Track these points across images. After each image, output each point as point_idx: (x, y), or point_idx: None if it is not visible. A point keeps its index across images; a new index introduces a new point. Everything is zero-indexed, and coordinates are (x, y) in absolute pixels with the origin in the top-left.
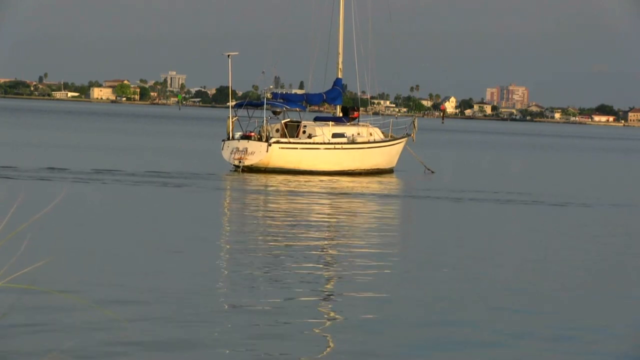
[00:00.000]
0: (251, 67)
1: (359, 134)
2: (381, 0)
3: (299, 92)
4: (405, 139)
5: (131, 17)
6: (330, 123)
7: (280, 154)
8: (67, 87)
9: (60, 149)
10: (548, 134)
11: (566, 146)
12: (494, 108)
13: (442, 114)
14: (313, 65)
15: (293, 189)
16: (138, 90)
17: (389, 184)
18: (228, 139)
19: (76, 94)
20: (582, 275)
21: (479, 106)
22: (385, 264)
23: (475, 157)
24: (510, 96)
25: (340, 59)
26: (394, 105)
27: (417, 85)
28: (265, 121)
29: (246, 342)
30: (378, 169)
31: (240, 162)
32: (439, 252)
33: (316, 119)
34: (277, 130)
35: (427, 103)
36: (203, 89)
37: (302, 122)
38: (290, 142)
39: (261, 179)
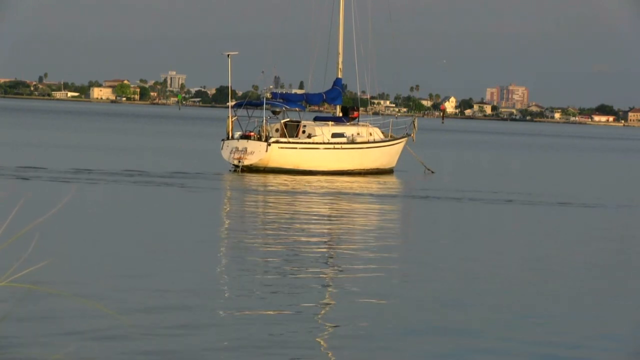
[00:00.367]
0: (251, 67)
1: (358, 134)
2: (381, 0)
3: (299, 92)
4: (405, 139)
5: (131, 17)
6: (330, 123)
7: (279, 154)
8: (67, 87)
9: (61, 149)
10: (548, 134)
11: (566, 146)
12: (494, 108)
13: (442, 114)
14: (313, 65)
15: (292, 188)
16: (138, 90)
17: (389, 184)
18: (227, 138)
19: (76, 94)
20: (582, 275)
21: (479, 106)
22: (384, 264)
23: (475, 157)
24: (510, 96)
25: (340, 59)
26: (394, 105)
27: (417, 85)
28: (264, 121)
29: (246, 343)
30: (378, 169)
31: (239, 161)
32: (439, 253)
33: (316, 119)
34: (277, 130)
35: (427, 103)
36: (203, 89)
37: (302, 122)
38: (289, 142)
39: (260, 178)
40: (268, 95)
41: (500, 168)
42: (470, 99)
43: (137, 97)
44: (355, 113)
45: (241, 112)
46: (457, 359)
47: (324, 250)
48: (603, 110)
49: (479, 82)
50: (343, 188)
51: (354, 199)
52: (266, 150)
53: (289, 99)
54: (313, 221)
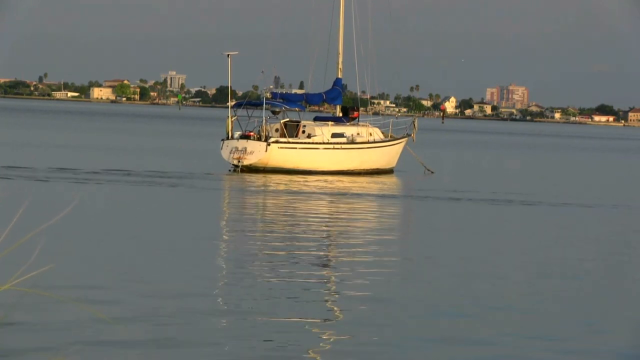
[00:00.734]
0: (251, 67)
1: (358, 134)
2: (381, 0)
3: (299, 92)
4: (406, 139)
5: (131, 17)
6: (330, 123)
7: (279, 154)
8: (67, 87)
9: (61, 149)
10: (548, 134)
11: (566, 146)
12: (494, 108)
13: (442, 114)
14: (313, 65)
15: (292, 189)
16: (138, 90)
17: (388, 184)
18: (227, 138)
19: (76, 94)
20: (582, 276)
21: (479, 106)
22: (384, 264)
23: (475, 157)
24: (510, 96)
25: (340, 59)
26: (394, 105)
27: (417, 85)
28: (264, 121)
29: (245, 343)
30: (378, 169)
31: (239, 161)
32: (439, 253)
33: (316, 119)
34: (277, 130)
35: (427, 103)
36: (203, 89)
37: (302, 121)
38: (289, 142)
39: (260, 178)
40: (268, 95)
41: (500, 168)
42: (470, 99)
43: (137, 97)
44: (355, 113)
45: (241, 112)
46: (456, 357)
47: (324, 250)
48: (603, 110)
49: (479, 82)
50: (342, 188)
51: (353, 199)
52: (266, 150)
53: (289, 99)
54: (312, 221)
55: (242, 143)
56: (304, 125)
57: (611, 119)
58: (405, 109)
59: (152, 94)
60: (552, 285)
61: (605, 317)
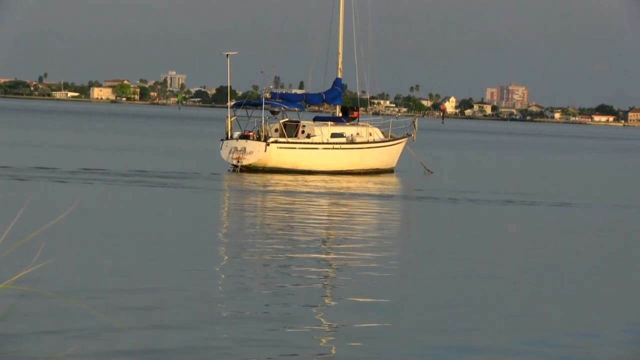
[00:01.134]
0: (251, 67)
1: (358, 134)
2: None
3: (299, 92)
4: (406, 139)
5: (131, 17)
6: (329, 123)
7: (278, 154)
8: (67, 87)
9: (61, 149)
10: (548, 134)
11: (566, 146)
12: (494, 108)
13: (442, 114)
14: (313, 65)
15: (291, 189)
16: (138, 90)
17: (388, 184)
18: (227, 138)
19: (76, 94)
20: (582, 276)
21: (479, 106)
22: (384, 264)
23: (474, 157)
24: (510, 96)
25: (340, 59)
26: (394, 105)
27: (417, 85)
28: (263, 121)
29: (244, 344)
30: (377, 169)
31: (238, 161)
32: (438, 253)
33: (316, 119)
34: (276, 130)
35: (427, 103)
36: (203, 89)
37: (301, 121)
38: (288, 142)
39: (259, 178)
40: (267, 95)
41: (500, 168)
42: (470, 99)
43: (137, 97)
44: (355, 113)
45: (240, 112)
46: (456, 357)
47: (323, 250)
48: (603, 110)
49: (479, 82)
50: (342, 188)
51: (352, 199)
52: (265, 150)
53: (288, 99)
54: (312, 221)
55: (242, 143)
56: (304, 125)
57: (611, 119)
58: (405, 109)
59: (152, 94)
60: (552, 285)
61: (604, 318)
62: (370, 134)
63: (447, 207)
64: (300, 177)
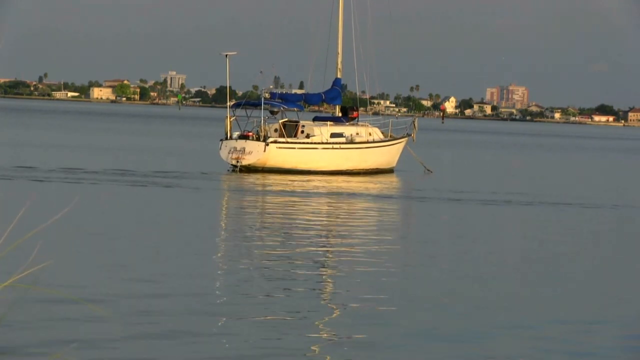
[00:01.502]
0: (251, 67)
1: (357, 133)
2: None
3: (299, 92)
4: (406, 139)
5: (131, 17)
6: (329, 123)
7: (277, 154)
8: (67, 87)
9: (60, 149)
10: (548, 134)
11: (566, 146)
12: (494, 108)
13: (442, 114)
14: (312, 65)
15: (291, 189)
16: (138, 90)
17: (387, 184)
18: (226, 138)
19: (76, 94)
20: (582, 276)
21: (479, 106)
22: (384, 264)
23: (474, 157)
24: (510, 96)
25: (340, 59)
26: (394, 105)
27: (417, 85)
28: (262, 121)
29: (244, 343)
30: (377, 169)
31: (237, 161)
32: (438, 253)
33: (315, 119)
34: (276, 130)
35: (427, 103)
36: (203, 89)
37: (301, 121)
38: (287, 142)
39: (258, 179)
40: (266, 95)
41: (500, 168)
42: (470, 99)
43: (137, 97)
44: (355, 113)
45: (240, 112)
46: (455, 357)
47: (323, 251)
48: (603, 110)
49: (479, 82)
50: (341, 188)
51: (352, 199)
52: (264, 150)
53: (288, 99)
54: (311, 221)
55: (241, 143)
56: (303, 125)
57: (611, 119)
58: (405, 109)
59: (152, 94)
60: (551, 286)
61: (604, 318)
62: (370, 134)
63: (447, 206)
64: (299, 177)
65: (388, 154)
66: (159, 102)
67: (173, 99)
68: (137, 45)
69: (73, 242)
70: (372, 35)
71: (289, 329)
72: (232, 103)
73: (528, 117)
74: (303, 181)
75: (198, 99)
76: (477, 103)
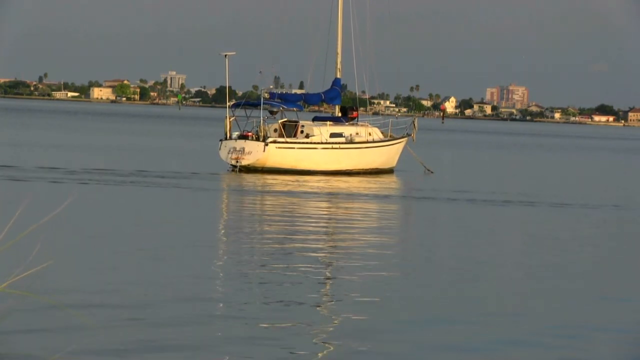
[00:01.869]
0: (252, 67)
1: (357, 133)
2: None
3: (299, 92)
4: (406, 139)
5: (131, 17)
6: (328, 123)
7: (277, 154)
8: (67, 87)
9: (59, 148)
10: (548, 134)
11: (566, 146)
12: (494, 108)
13: (442, 114)
14: (312, 66)
15: (290, 189)
16: (138, 90)
17: (387, 184)
18: (225, 138)
19: (76, 94)
20: (581, 276)
21: (479, 106)
22: (383, 264)
23: (474, 157)
24: (510, 96)
25: (339, 59)
26: (393, 105)
27: (417, 85)
28: (262, 121)
29: (243, 344)
30: (377, 168)
31: (237, 161)
32: (438, 253)
33: (315, 119)
34: (275, 130)
35: (427, 103)
36: (203, 89)
37: (300, 121)
38: (287, 142)
39: (258, 179)
40: (266, 95)
41: (500, 168)
42: (470, 99)
43: (137, 97)
44: (355, 113)
45: (239, 112)
46: (455, 357)
47: (322, 251)
48: (603, 110)
49: (479, 82)
50: (341, 188)
51: (352, 199)
52: (264, 150)
53: (287, 99)
54: (311, 221)
55: (240, 143)
56: (302, 125)
57: (611, 119)
58: (405, 109)
59: (152, 94)
60: (551, 286)
61: (604, 318)
62: (370, 134)
63: (447, 206)
64: (299, 177)
65: (388, 154)
66: (159, 102)
67: (173, 99)
68: (137, 45)
69: (71, 243)
70: (372, 35)
71: (289, 329)
72: (231, 103)
73: (528, 117)
74: (302, 181)
75: (198, 99)
76: (477, 103)
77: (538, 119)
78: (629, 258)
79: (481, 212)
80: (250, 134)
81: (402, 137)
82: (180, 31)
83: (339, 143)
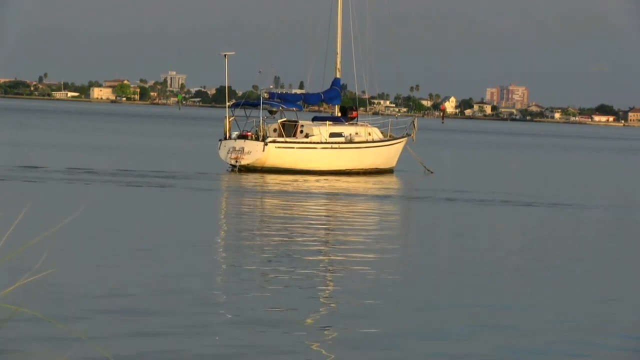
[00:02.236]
0: (251, 67)
1: (357, 133)
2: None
3: (299, 91)
4: (405, 138)
5: (131, 17)
6: (328, 123)
7: (276, 154)
8: (67, 87)
9: (60, 148)
10: (548, 134)
11: (566, 146)
12: (494, 108)
13: (442, 113)
14: (312, 65)
15: (289, 189)
16: (138, 90)
17: (387, 184)
18: (225, 138)
19: (76, 94)
20: (581, 276)
21: (479, 106)
22: (383, 265)
23: (474, 157)
24: (510, 96)
25: (339, 59)
26: (393, 105)
27: (417, 85)
28: (261, 121)
29: (243, 345)
30: (376, 168)
31: (236, 161)
32: (437, 254)
33: (314, 119)
34: (275, 130)
35: (427, 103)
36: (203, 89)
37: (300, 121)
38: (286, 142)
39: (257, 178)
40: (265, 95)
41: (500, 168)
42: (470, 99)
43: (137, 97)
44: (354, 113)
45: (239, 112)
46: (454, 357)
47: (322, 251)
48: (603, 110)
49: (479, 82)
50: (340, 188)
51: (351, 199)
52: (263, 150)
53: (286, 99)
54: (310, 221)
55: (240, 143)
56: (302, 125)
57: (611, 119)
58: (405, 109)
59: (152, 94)
60: (551, 286)
61: (604, 318)
62: (370, 134)
63: (447, 207)
64: (298, 177)
65: (387, 154)
66: (159, 102)
67: (173, 99)
68: (137, 45)
69: (70, 244)
70: (372, 35)
71: (289, 329)
72: (231, 103)
73: (528, 117)
74: (302, 181)
75: (198, 99)
76: (477, 103)
77: (538, 119)
78: (628, 258)
79: (481, 212)
80: (249, 133)
81: (402, 137)
82: (180, 31)
83: (339, 143)
